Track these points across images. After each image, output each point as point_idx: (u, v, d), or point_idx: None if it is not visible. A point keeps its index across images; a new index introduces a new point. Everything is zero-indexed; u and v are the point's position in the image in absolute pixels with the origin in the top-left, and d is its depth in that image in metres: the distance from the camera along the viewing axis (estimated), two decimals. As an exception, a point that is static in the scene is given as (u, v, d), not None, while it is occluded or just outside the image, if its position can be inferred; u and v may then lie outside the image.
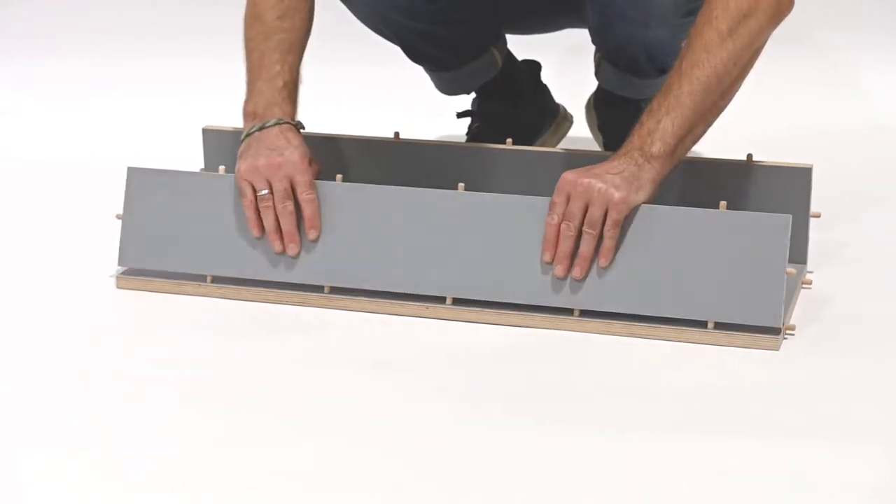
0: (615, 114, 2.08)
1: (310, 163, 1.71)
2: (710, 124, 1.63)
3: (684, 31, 1.84)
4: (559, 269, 1.61)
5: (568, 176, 1.60)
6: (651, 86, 1.95)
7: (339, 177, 1.71)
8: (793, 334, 1.63)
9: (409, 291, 1.69)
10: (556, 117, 2.22)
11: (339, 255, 1.71)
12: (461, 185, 1.67)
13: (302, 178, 1.68)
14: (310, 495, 1.30)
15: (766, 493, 1.29)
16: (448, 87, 2.10)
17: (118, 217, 1.79)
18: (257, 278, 1.74)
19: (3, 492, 1.31)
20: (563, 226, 1.59)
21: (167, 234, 1.76)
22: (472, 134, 2.14)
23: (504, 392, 1.51)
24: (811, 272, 1.81)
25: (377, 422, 1.44)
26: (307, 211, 1.69)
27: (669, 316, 1.61)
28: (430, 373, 1.56)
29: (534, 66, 2.20)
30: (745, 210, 1.70)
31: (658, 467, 1.33)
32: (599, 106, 2.15)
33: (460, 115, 2.17)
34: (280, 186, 1.68)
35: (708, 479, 1.31)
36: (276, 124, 1.72)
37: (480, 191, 1.76)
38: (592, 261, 1.60)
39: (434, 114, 2.29)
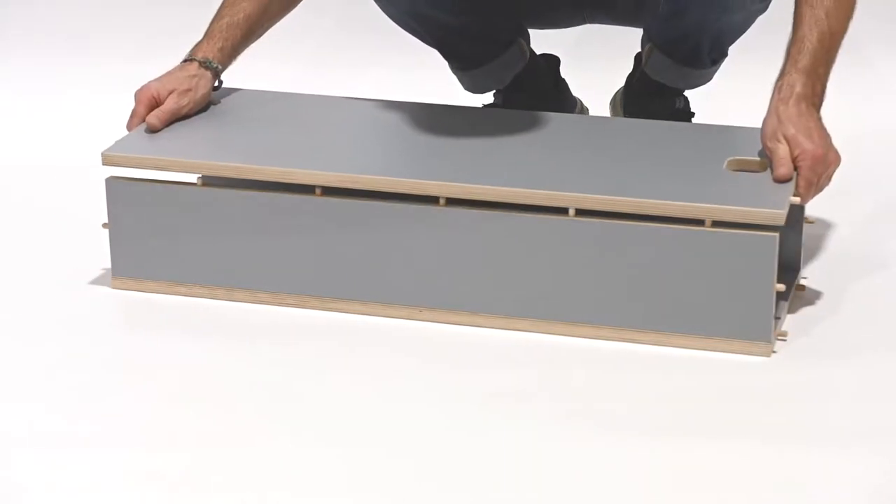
0: (654, 105, 2.08)
1: (178, 93, 1.82)
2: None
3: (754, 17, 1.87)
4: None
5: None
6: (702, 77, 1.99)
7: (318, 190, 1.71)
8: (785, 340, 1.63)
9: (391, 302, 1.70)
10: (574, 111, 2.23)
11: (326, 265, 1.71)
12: (442, 199, 1.66)
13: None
14: (307, 495, 1.30)
15: (760, 495, 1.29)
16: (480, 83, 2.11)
17: (104, 226, 1.80)
18: (247, 288, 1.75)
19: (1, 492, 1.31)
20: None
21: (155, 243, 1.77)
22: None
23: (497, 394, 1.51)
24: (805, 277, 1.81)
25: (370, 423, 1.44)
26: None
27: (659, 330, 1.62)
28: (423, 375, 1.56)
29: (553, 61, 2.21)
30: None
31: (650, 471, 1.34)
32: (633, 97, 2.14)
33: (486, 107, 2.18)
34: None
35: (700, 482, 1.32)
36: (184, 61, 1.86)
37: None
38: None
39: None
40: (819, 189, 1.64)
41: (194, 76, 1.84)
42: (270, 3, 1.90)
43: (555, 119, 1.88)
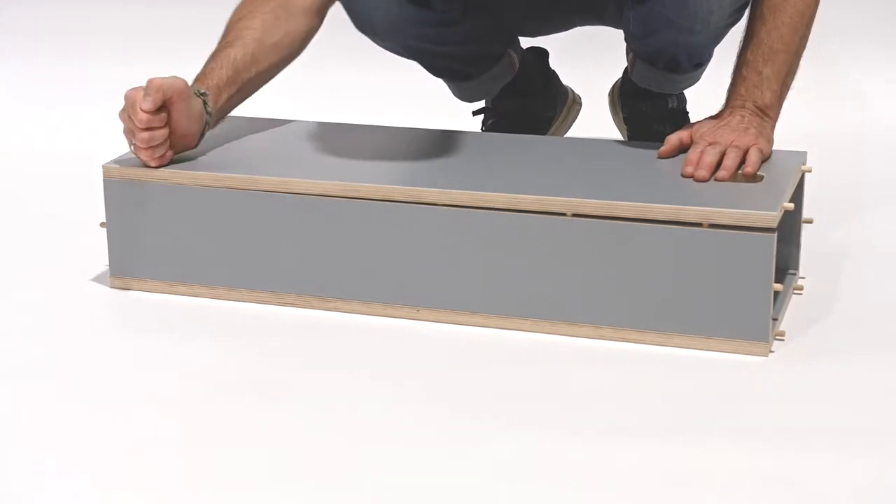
0: (646, 106, 2.09)
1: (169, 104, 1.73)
2: (799, 61, 1.76)
3: (725, 32, 1.87)
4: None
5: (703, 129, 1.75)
6: (687, 80, 2.00)
7: (315, 191, 1.71)
8: (783, 340, 1.63)
9: (390, 302, 1.70)
10: (566, 102, 2.23)
11: (325, 265, 1.71)
12: (442, 199, 1.67)
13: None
14: (304, 496, 1.30)
15: (757, 495, 1.29)
16: (469, 95, 2.11)
17: (102, 225, 1.80)
18: (245, 287, 1.75)
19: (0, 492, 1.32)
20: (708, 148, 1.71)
21: (153, 244, 1.77)
22: (488, 129, 2.15)
23: (495, 395, 1.51)
24: (803, 277, 1.81)
25: (367, 424, 1.44)
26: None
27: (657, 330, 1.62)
28: (421, 375, 1.56)
29: (541, 54, 2.21)
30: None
31: (648, 472, 1.34)
32: (627, 97, 2.15)
33: (476, 112, 2.18)
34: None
35: (697, 483, 1.32)
36: None
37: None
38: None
39: (445, 116, 2.29)
40: (712, 162, 1.69)
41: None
42: (247, 43, 1.83)
43: (549, 141, 1.93)
